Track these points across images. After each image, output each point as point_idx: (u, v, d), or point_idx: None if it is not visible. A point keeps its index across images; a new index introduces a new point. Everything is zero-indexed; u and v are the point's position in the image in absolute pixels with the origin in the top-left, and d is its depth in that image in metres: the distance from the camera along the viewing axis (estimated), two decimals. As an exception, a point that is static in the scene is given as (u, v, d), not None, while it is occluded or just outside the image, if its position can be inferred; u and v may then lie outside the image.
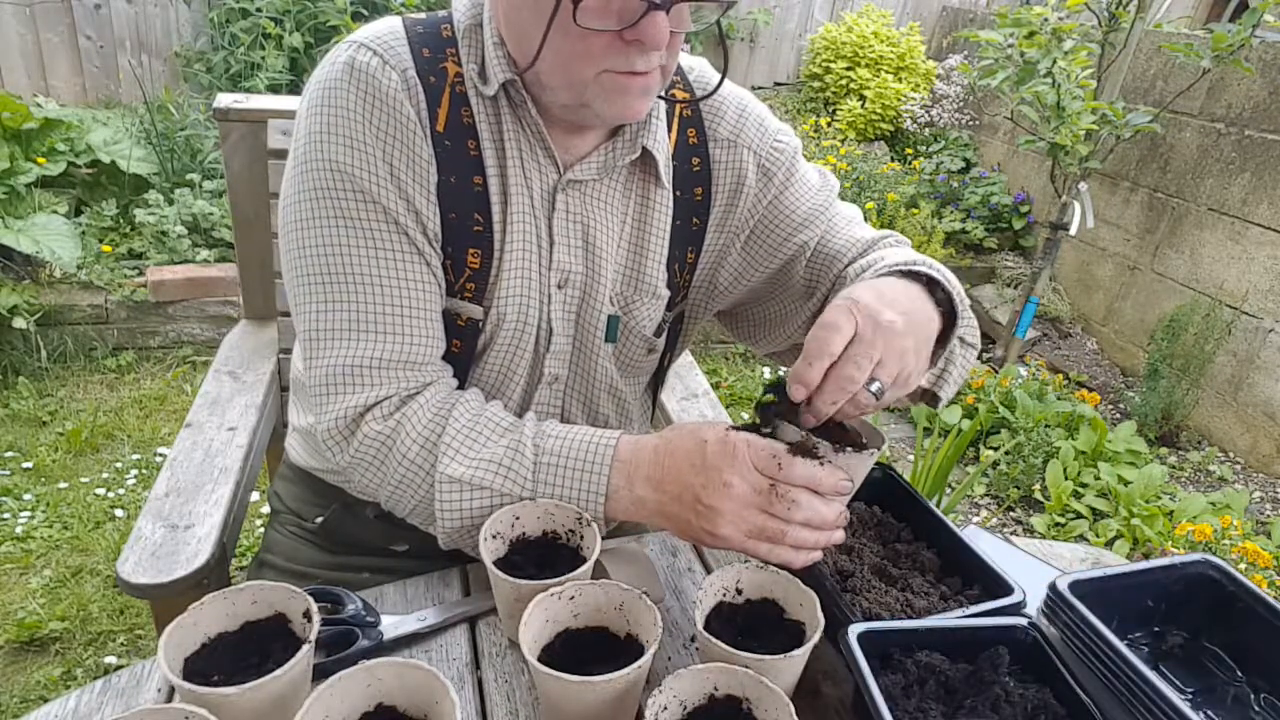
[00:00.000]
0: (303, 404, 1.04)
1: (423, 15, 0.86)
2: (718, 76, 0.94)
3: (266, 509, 2.30)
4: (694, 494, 0.73)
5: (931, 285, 0.81)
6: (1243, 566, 2.06)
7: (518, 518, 0.78)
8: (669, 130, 0.92)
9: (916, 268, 0.80)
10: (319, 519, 1.02)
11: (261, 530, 2.26)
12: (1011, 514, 2.74)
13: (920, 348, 0.75)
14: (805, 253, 0.96)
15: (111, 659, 1.83)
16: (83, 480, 2.37)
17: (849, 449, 0.71)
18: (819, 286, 0.97)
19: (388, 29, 0.82)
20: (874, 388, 0.70)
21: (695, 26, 0.77)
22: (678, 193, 0.93)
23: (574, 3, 0.70)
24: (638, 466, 0.77)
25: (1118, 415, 3.27)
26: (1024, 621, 0.71)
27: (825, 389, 0.69)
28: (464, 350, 0.88)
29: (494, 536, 0.77)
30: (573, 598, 0.69)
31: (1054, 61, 2.89)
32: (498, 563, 0.74)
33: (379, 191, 0.80)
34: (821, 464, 0.70)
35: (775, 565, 0.74)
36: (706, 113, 0.95)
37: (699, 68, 0.96)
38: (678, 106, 0.93)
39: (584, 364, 0.95)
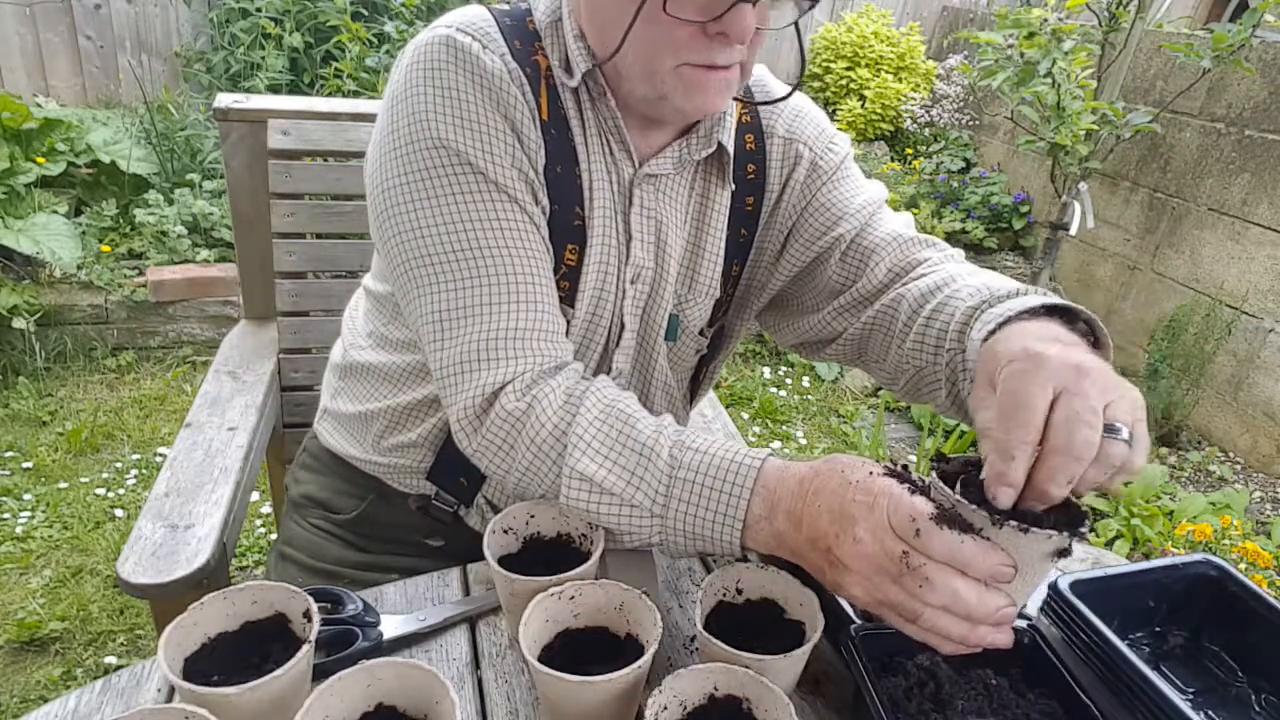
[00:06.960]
0: (356, 389, 1.00)
1: (506, 7, 0.84)
2: (777, 82, 0.95)
3: (266, 509, 2.30)
4: (826, 543, 0.62)
5: (1061, 315, 0.70)
6: (1243, 566, 2.06)
7: (532, 515, 0.78)
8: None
9: (1040, 302, 0.70)
10: (355, 511, 1.01)
11: (262, 530, 2.26)
12: (1011, 514, 2.73)
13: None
14: (841, 245, 0.93)
15: (111, 659, 1.83)
16: (83, 480, 2.36)
17: (1012, 523, 0.54)
18: (851, 281, 0.93)
19: (479, 16, 0.80)
20: (1121, 435, 0.55)
21: (777, 25, 0.76)
22: (733, 202, 0.93)
23: None
24: (781, 497, 0.67)
25: (1118, 415, 3.27)
26: (1024, 622, 0.71)
27: (1052, 469, 0.54)
28: None
29: (505, 531, 0.76)
30: (573, 598, 0.69)
31: (1054, 62, 2.89)
32: (509, 559, 0.74)
33: (494, 170, 0.78)
34: (975, 539, 0.55)
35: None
36: (764, 113, 0.94)
37: (759, 75, 0.96)
38: (737, 111, 0.92)
39: (644, 361, 0.95)
